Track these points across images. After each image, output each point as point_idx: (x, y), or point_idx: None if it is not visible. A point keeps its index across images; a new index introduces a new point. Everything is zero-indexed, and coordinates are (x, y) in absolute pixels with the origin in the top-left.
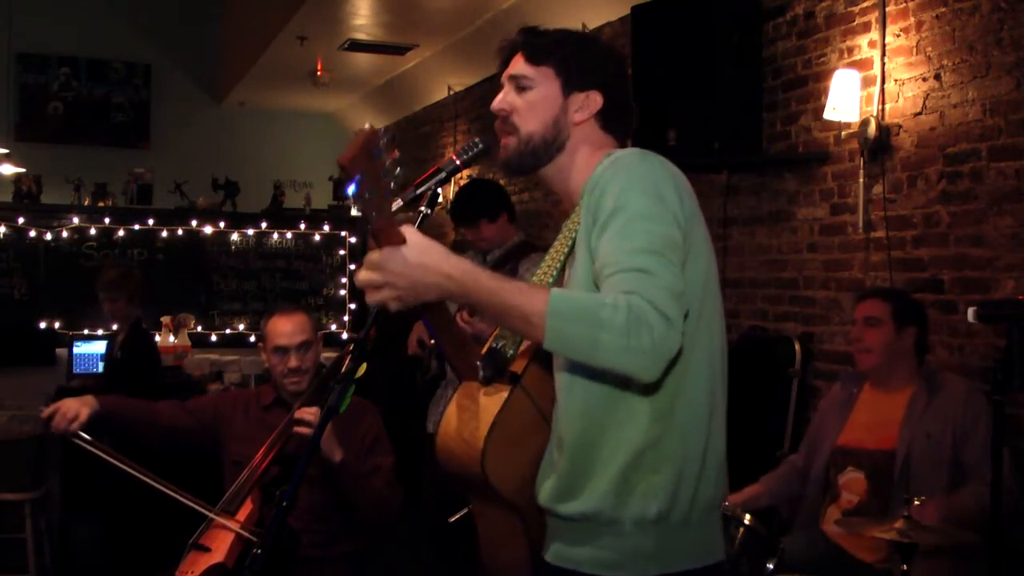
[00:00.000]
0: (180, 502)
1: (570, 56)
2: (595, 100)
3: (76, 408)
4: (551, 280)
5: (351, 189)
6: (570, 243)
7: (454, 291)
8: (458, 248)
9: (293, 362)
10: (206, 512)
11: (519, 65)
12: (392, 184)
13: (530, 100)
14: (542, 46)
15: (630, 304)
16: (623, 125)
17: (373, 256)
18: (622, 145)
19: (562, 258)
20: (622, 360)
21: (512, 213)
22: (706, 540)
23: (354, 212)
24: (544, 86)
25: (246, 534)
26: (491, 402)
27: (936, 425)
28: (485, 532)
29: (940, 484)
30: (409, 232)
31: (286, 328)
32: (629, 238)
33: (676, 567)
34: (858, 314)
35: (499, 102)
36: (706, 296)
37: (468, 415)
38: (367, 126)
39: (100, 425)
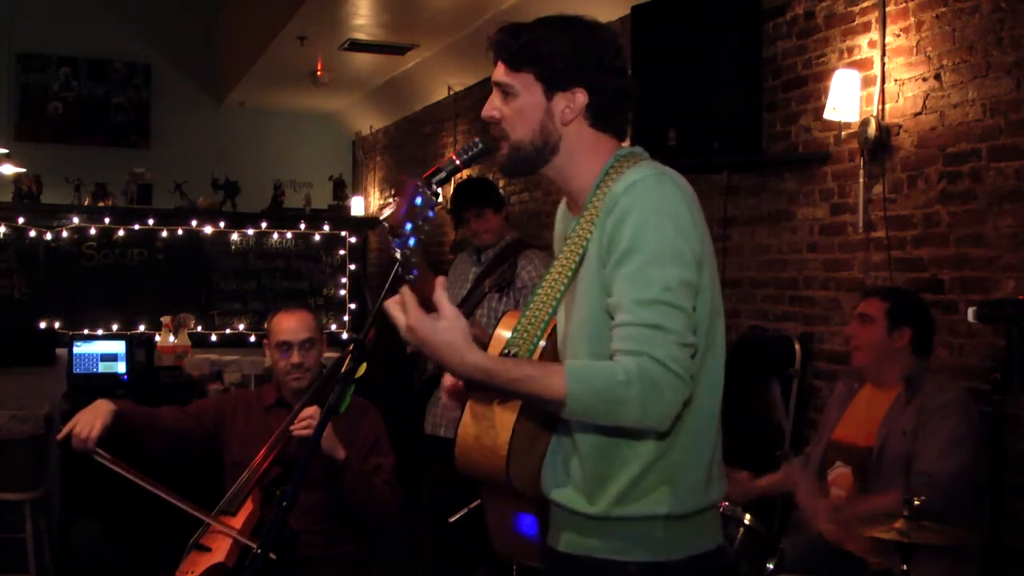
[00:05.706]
0: (185, 511)
1: (549, 57)
2: (580, 98)
3: (89, 423)
4: (562, 289)
5: (409, 241)
6: (580, 253)
7: (473, 378)
8: (458, 247)
9: (296, 358)
10: (206, 519)
11: (500, 71)
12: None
13: (515, 108)
14: (519, 51)
15: (641, 372)
16: (617, 117)
17: (410, 309)
18: (620, 138)
19: (573, 266)
20: (640, 424)
21: (506, 216)
22: (709, 529)
23: (396, 256)
24: (526, 93)
25: (244, 540)
26: (507, 409)
27: (910, 423)
28: (496, 523)
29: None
30: (442, 302)
31: (290, 324)
32: (646, 284)
33: (682, 553)
34: (857, 310)
35: (487, 109)
36: (714, 312)
37: (486, 423)
38: (403, 178)
39: (112, 433)
